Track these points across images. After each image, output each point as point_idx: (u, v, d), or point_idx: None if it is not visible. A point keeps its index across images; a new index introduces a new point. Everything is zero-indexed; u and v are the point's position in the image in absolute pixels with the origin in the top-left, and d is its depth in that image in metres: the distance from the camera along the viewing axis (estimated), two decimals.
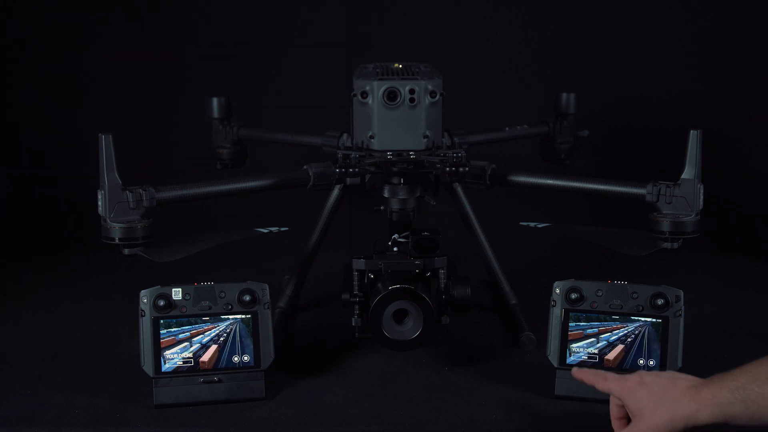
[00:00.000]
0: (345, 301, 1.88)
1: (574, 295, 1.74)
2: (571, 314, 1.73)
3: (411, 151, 1.91)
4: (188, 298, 1.73)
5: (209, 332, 1.74)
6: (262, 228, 1.96)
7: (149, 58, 2.97)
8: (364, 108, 1.93)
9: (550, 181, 2.00)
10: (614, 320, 1.72)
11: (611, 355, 1.73)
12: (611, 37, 2.97)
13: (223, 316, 1.74)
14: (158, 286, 1.73)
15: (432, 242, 1.85)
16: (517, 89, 2.94)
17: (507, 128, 2.46)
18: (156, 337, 1.72)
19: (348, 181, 2.03)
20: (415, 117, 1.92)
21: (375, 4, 2.99)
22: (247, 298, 1.74)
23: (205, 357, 1.74)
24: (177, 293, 1.73)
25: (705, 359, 1.89)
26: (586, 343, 1.73)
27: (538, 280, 2.09)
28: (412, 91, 1.91)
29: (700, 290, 2.28)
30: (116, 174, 1.77)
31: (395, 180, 1.96)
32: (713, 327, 2.10)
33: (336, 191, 2.13)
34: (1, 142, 2.92)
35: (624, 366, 1.72)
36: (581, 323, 1.73)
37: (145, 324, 1.72)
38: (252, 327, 1.74)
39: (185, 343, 1.73)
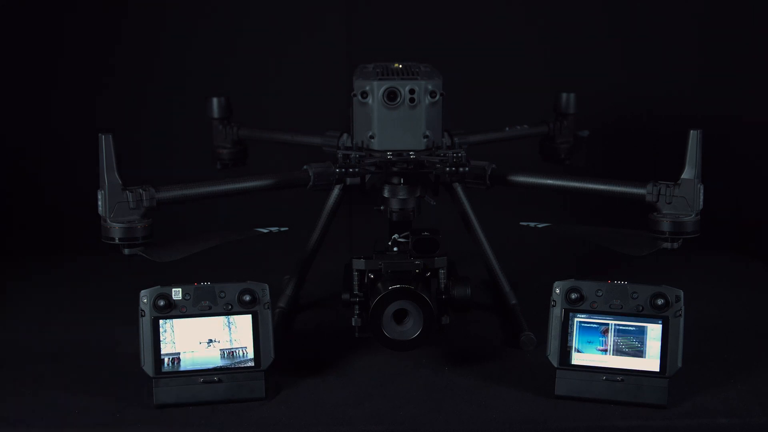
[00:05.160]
0: (345, 301, 1.88)
1: (574, 295, 1.74)
2: None
3: (411, 151, 1.91)
4: (188, 298, 1.73)
5: None
6: (262, 228, 1.95)
7: (148, 58, 2.97)
8: (364, 108, 1.93)
9: (550, 181, 2.00)
10: None
11: None
12: (612, 36, 2.97)
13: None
14: (158, 286, 1.73)
15: (432, 242, 1.85)
16: (517, 89, 2.94)
17: (507, 128, 2.46)
18: (156, 337, 1.72)
19: (348, 181, 2.03)
20: (415, 117, 1.92)
21: (375, 4, 2.99)
22: (247, 298, 1.74)
23: None
24: (177, 293, 1.73)
25: (705, 359, 1.90)
26: None
27: (538, 280, 2.09)
28: (412, 91, 1.91)
29: (701, 290, 2.28)
30: (116, 174, 1.77)
31: (395, 180, 1.96)
32: (713, 327, 2.10)
33: (336, 191, 2.13)
34: (0, 144, 2.92)
35: None
36: None
37: (145, 324, 1.72)
38: (252, 327, 1.74)
39: None
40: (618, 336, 1.73)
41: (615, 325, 1.73)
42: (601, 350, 1.74)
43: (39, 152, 2.95)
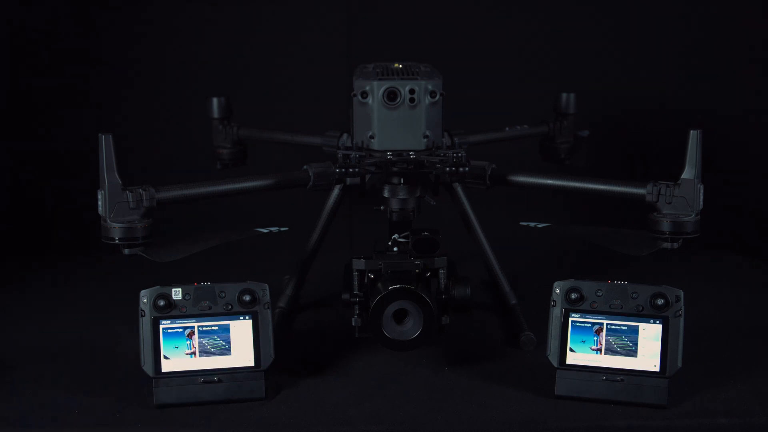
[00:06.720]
0: (345, 301, 1.88)
1: (574, 295, 1.74)
2: None
3: (411, 151, 1.91)
4: (188, 298, 1.74)
5: None
6: (262, 228, 1.95)
7: (149, 58, 2.97)
8: (364, 108, 1.93)
9: (550, 181, 2.00)
10: None
11: None
12: (612, 36, 2.97)
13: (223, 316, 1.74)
14: (158, 286, 1.73)
15: (432, 242, 1.85)
16: (517, 89, 2.94)
17: (507, 128, 2.46)
18: (156, 337, 1.72)
19: (348, 181, 2.03)
20: (415, 117, 1.92)
21: (375, 4, 2.99)
22: (247, 298, 1.74)
23: None
24: (177, 293, 1.73)
25: (705, 359, 1.90)
26: None
27: (538, 280, 2.09)
28: (412, 91, 1.91)
29: (700, 290, 2.28)
30: (116, 174, 1.77)
31: (395, 180, 1.96)
32: (713, 327, 2.10)
33: (336, 191, 2.13)
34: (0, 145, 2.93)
35: None
36: None
37: (145, 324, 1.72)
38: (252, 327, 1.74)
39: None
40: (610, 335, 1.73)
41: (608, 324, 1.74)
42: (595, 350, 1.74)
43: (38, 152, 2.95)
